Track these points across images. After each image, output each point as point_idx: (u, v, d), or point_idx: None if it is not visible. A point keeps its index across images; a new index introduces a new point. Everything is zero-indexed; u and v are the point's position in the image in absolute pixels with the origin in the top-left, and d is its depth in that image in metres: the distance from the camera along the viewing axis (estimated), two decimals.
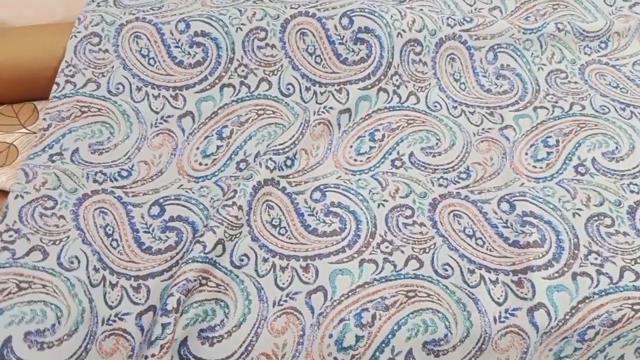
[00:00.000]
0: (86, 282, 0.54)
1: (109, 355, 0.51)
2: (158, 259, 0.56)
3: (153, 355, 0.48)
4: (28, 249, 0.55)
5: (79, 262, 0.55)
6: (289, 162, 0.63)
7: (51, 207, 0.58)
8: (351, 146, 0.67)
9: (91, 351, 0.51)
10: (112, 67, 0.68)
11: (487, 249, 0.58)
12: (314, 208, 0.60)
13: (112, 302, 0.53)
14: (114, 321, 0.52)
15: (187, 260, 0.53)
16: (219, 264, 0.55)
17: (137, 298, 0.54)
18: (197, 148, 0.65)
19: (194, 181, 0.62)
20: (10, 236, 0.55)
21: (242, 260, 0.56)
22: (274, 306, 0.53)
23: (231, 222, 0.56)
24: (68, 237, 0.56)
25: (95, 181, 0.61)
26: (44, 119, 0.64)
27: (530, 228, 0.58)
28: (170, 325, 0.49)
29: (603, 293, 0.54)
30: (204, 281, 0.53)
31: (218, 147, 0.65)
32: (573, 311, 0.53)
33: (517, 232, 0.58)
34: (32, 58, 0.68)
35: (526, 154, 0.66)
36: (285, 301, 0.54)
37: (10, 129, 0.68)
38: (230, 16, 0.69)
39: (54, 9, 0.75)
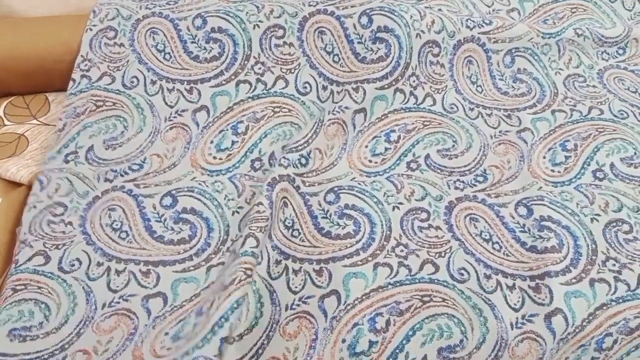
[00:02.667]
0: (84, 279, 0.53)
1: (106, 333, 0.50)
2: (170, 249, 0.56)
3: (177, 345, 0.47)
4: (30, 255, 0.54)
5: (80, 263, 0.54)
6: (303, 161, 0.62)
7: (60, 213, 0.57)
8: (366, 146, 0.66)
9: (84, 334, 0.50)
10: (128, 61, 0.67)
11: (504, 253, 0.57)
12: (327, 210, 0.59)
13: (117, 286, 0.53)
14: (117, 302, 0.52)
15: (221, 270, 0.52)
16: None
17: (145, 282, 0.53)
18: (212, 142, 0.64)
19: (208, 174, 0.62)
20: (18, 247, 0.55)
21: (257, 258, 0.55)
22: (286, 310, 0.52)
23: (254, 217, 0.55)
24: (72, 241, 0.56)
25: (106, 180, 0.60)
26: (60, 119, 0.64)
27: (548, 233, 0.57)
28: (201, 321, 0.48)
29: (620, 300, 0.53)
30: (247, 272, 0.52)
31: (233, 142, 0.64)
32: (590, 317, 0.52)
33: (534, 237, 0.58)
34: (45, 50, 0.68)
35: (544, 157, 0.65)
36: (298, 305, 0.53)
37: (21, 120, 0.68)
38: (247, 12, 0.68)
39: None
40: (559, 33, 0.73)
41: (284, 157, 0.60)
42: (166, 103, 0.66)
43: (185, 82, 0.67)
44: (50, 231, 0.56)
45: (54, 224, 0.57)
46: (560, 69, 0.73)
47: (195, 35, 0.68)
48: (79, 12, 0.73)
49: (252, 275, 0.52)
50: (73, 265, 0.54)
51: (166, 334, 0.50)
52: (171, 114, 0.66)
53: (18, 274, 0.53)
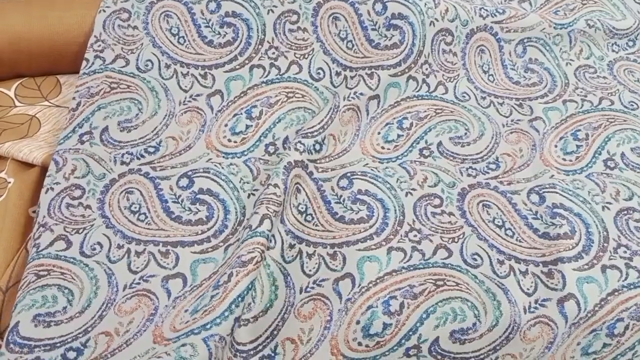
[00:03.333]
0: (105, 262, 0.53)
1: (127, 314, 0.50)
2: (188, 230, 0.56)
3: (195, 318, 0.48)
4: (52, 240, 0.54)
5: (101, 247, 0.54)
6: (317, 147, 0.62)
7: (79, 196, 0.57)
8: (379, 133, 0.66)
9: (107, 316, 0.50)
10: (142, 44, 0.67)
11: (516, 239, 0.57)
12: (341, 195, 0.60)
13: (137, 267, 0.53)
14: (138, 284, 0.52)
15: (238, 245, 0.52)
16: None
17: (165, 263, 0.54)
18: (226, 125, 0.65)
19: (223, 156, 0.62)
20: (38, 231, 0.55)
21: (270, 241, 0.55)
22: (300, 293, 0.53)
23: (270, 199, 0.56)
24: (92, 225, 0.56)
25: (122, 163, 0.60)
26: (74, 98, 0.63)
27: (561, 220, 0.58)
28: (219, 294, 0.49)
29: (632, 286, 0.54)
30: (263, 254, 0.52)
31: (247, 126, 0.64)
32: (602, 303, 0.53)
33: (547, 223, 0.58)
34: (56, 31, 0.67)
35: (555, 146, 0.66)
36: (313, 288, 0.53)
37: (33, 102, 0.67)
38: None
39: None
40: (571, 24, 0.74)
41: (299, 142, 0.61)
42: (180, 87, 0.66)
43: (200, 68, 0.67)
44: (70, 214, 0.56)
45: (73, 207, 0.56)
46: (571, 59, 0.74)
47: (210, 20, 0.67)
48: None
49: (265, 257, 0.53)
50: (94, 249, 0.54)
51: (186, 310, 0.50)
52: (185, 98, 0.66)
53: (40, 259, 0.53)
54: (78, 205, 0.57)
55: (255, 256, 0.51)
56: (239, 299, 0.48)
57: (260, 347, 0.50)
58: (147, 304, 0.51)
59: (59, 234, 0.54)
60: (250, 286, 0.50)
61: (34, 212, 0.58)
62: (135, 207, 0.57)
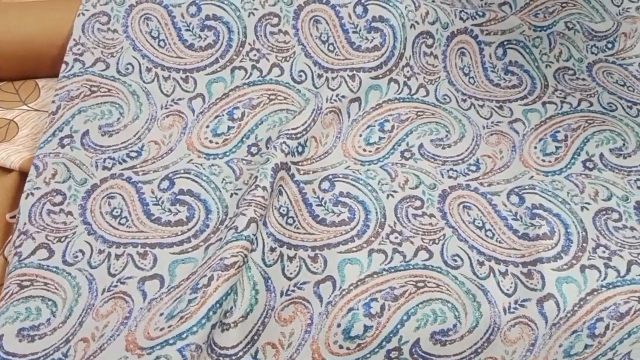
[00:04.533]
0: (87, 268, 0.53)
1: (104, 318, 0.50)
2: (167, 231, 0.55)
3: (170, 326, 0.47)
4: (34, 248, 0.53)
5: (83, 254, 0.54)
6: (299, 149, 0.62)
7: (59, 202, 0.57)
8: (360, 135, 0.66)
9: (86, 322, 0.50)
10: (122, 47, 0.66)
11: (496, 240, 0.58)
12: (322, 198, 0.60)
13: (116, 270, 0.53)
14: (115, 286, 0.52)
15: (221, 246, 0.52)
16: None
17: (142, 264, 0.53)
18: (207, 126, 0.64)
19: (205, 157, 0.62)
20: (20, 240, 0.54)
21: (252, 243, 0.55)
22: (281, 296, 0.52)
23: (259, 202, 0.55)
24: (74, 232, 0.55)
25: (104, 168, 0.60)
26: (53, 101, 0.63)
27: (540, 220, 0.58)
28: (197, 299, 0.48)
29: (611, 286, 0.54)
30: (245, 259, 0.52)
31: (229, 127, 0.64)
32: (581, 302, 0.53)
33: (526, 224, 0.58)
34: (35, 34, 0.66)
35: (535, 147, 0.66)
36: (293, 291, 0.53)
37: (11, 105, 0.66)
38: (242, 0, 0.68)
39: None
40: (550, 26, 0.75)
41: (284, 143, 0.60)
42: (162, 91, 0.66)
43: (181, 71, 0.67)
44: (51, 222, 0.55)
45: (54, 214, 0.56)
46: (550, 61, 0.75)
47: (190, 23, 0.67)
48: None
49: (247, 262, 0.52)
50: (77, 257, 0.54)
51: (161, 314, 0.49)
52: (167, 102, 0.66)
53: (23, 268, 0.52)
54: (59, 212, 0.56)
55: (238, 260, 0.50)
56: (217, 305, 0.48)
57: (241, 353, 0.50)
58: (122, 306, 0.51)
59: (40, 242, 0.54)
60: (229, 291, 0.49)
61: (12, 217, 0.58)
62: (117, 212, 0.57)
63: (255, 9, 0.68)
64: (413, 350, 0.51)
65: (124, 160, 0.61)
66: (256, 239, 0.54)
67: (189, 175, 0.60)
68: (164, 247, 0.54)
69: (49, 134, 0.61)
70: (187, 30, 0.67)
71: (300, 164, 0.62)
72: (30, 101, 0.67)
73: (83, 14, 0.66)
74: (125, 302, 0.51)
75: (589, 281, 0.55)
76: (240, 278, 0.51)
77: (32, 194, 0.56)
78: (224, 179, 0.60)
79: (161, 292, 0.52)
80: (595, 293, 0.54)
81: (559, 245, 0.57)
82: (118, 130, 0.63)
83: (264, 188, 0.56)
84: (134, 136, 0.63)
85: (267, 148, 0.62)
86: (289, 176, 0.61)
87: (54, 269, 0.52)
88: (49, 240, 0.54)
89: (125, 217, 0.56)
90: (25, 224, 0.54)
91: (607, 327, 0.53)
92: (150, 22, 0.67)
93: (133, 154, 0.61)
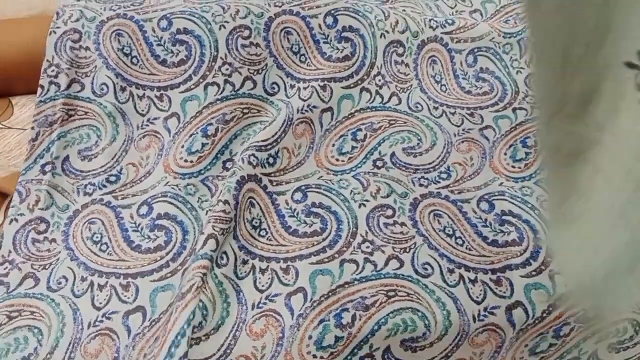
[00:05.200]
0: (70, 296, 0.53)
1: (93, 357, 0.50)
2: (147, 258, 0.56)
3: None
4: (20, 279, 0.54)
5: (66, 280, 0.54)
6: (271, 160, 0.63)
7: (44, 230, 0.57)
8: (333, 145, 0.67)
9: (75, 358, 0.50)
10: (95, 66, 0.67)
11: (466, 248, 0.58)
12: (294, 209, 0.60)
13: (100, 303, 0.53)
14: (101, 321, 0.52)
15: (183, 271, 0.52)
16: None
17: (125, 296, 0.53)
18: (182, 146, 0.64)
19: (180, 177, 0.62)
20: (5, 268, 0.54)
21: (222, 259, 0.55)
22: (253, 309, 0.53)
23: (218, 217, 0.56)
24: (58, 259, 0.56)
25: (85, 194, 0.60)
26: (32, 128, 0.63)
27: (509, 227, 0.59)
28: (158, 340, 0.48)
29: None
30: (204, 277, 0.52)
31: (203, 144, 0.64)
32: (550, 309, 0.54)
33: (495, 231, 0.59)
34: (6, 52, 0.67)
35: (505, 154, 0.67)
36: (265, 303, 0.53)
37: None
38: (213, 13, 0.69)
39: (32, 1, 0.73)
40: (520, 32, 0.75)
41: (252, 155, 0.61)
42: (137, 111, 0.66)
43: (155, 89, 0.67)
44: (36, 250, 0.56)
45: (39, 242, 0.56)
46: (521, 67, 0.75)
47: (161, 37, 0.68)
48: (44, 15, 0.73)
49: (207, 280, 0.52)
50: (60, 283, 0.54)
51: (144, 356, 0.49)
52: (143, 122, 0.66)
53: (11, 299, 0.53)
54: (44, 240, 0.57)
55: (195, 282, 0.51)
56: (178, 337, 0.48)
57: None
58: (110, 344, 0.51)
59: (27, 272, 0.54)
60: (191, 317, 0.49)
61: None
62: (97, 237, 0.57)
63: (226, 21, 0.68)
64: (385, 356, 0.52)
65: (104, 185, 0.61)
66: (225, 253, 0.55)
67: (165, 198, 0.60)
68: (145, 276, 0.54)
69: (30, 161, 0.61)
70: (158, 45, 0.68)
71: (272, 175, 0.62)
72: (4, 119, 0.68)
73: (55, 32, 0.67)
74: (112, 340, 0.51)
75: (557, 287, 0.55)
76: (210, 292, 0.52)
77: (16, 219, 0.57)
78: (199, 198, 0.60)
79: (144, 327, 0.52)
80: (564, 298, 0.54)
81: (528, 251, 0.57)
82: (96, 154, 0.63)
83: (225, 202, 0.57)
84: (112, 159, 0.63)
85: (236, 161, 0.62)
86: (260, 188, 0.61)
87: (39, 296, 0.53)
88: (34, 269, 0.55)
89: (106, 244, 0.57)
90: (10, 251, 0.55)
91: (572, 329, 0.54)
92: (122, 38, 0.67)
93: (112, 178, 0.62)
